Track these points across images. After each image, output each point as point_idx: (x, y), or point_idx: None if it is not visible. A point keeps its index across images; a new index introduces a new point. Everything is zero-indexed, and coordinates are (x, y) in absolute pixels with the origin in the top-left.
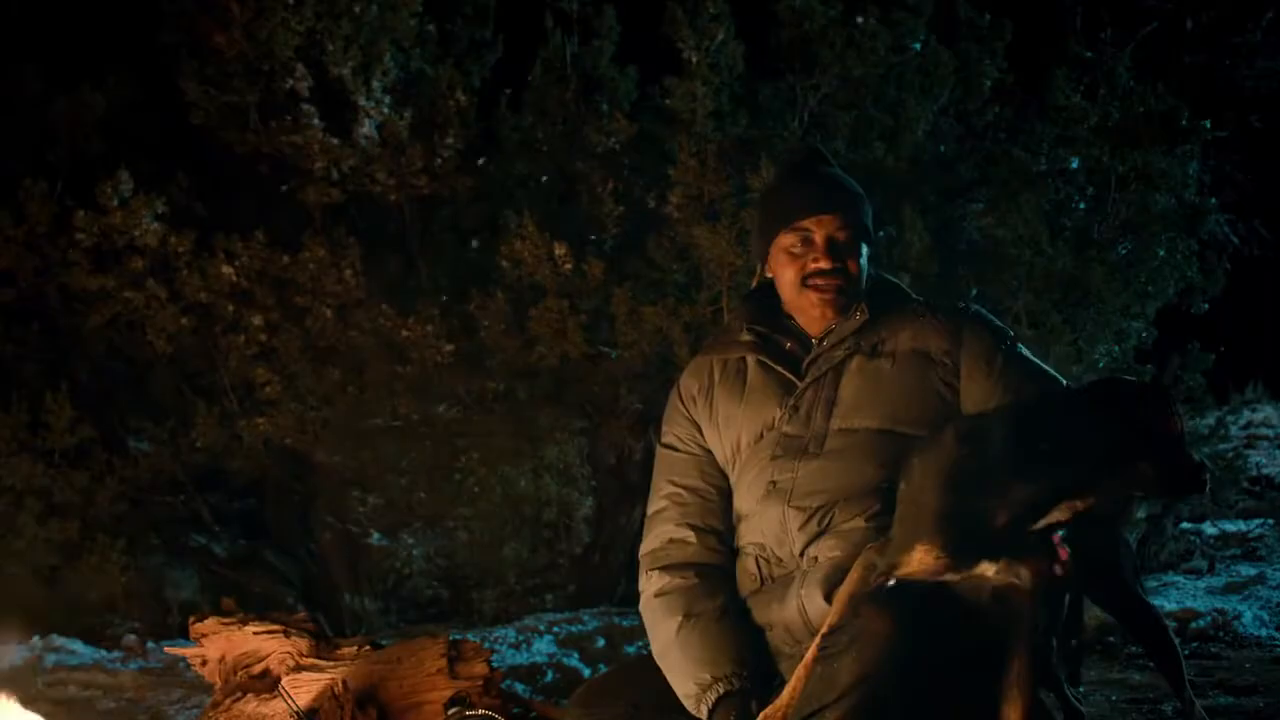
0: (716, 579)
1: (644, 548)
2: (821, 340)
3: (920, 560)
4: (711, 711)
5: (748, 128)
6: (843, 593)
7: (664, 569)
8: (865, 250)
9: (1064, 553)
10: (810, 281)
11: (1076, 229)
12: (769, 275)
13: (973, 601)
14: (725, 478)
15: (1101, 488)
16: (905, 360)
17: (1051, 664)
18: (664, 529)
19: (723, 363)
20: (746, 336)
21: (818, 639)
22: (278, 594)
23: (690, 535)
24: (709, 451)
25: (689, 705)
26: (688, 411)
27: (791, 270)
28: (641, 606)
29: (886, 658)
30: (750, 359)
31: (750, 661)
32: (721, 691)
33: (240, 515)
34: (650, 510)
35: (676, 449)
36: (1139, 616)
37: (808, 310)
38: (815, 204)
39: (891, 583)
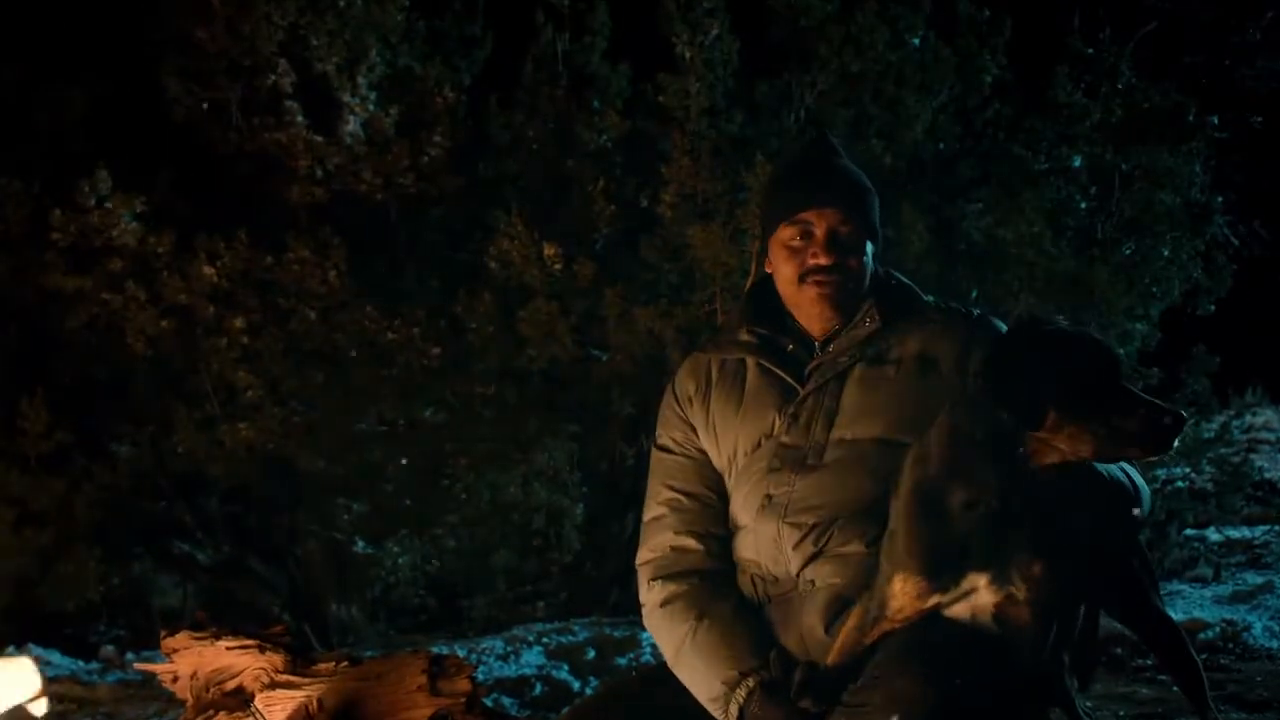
0: (724, 582)
1: (642, 556)
2: (826, 346)
3: (902, 591)
4: (744, 707)
5: (743, 125)
6: (839, 644)
7: (667, 578)
8: (870, 248)
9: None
10: (809, 278)
11: (1079, 229)
12: (768, 270)
13: (981, 633)
14: (723, 481)
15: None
16: (910, 367)
17: (1063, 680)
18: (663, 537)
19: (720, 362)
20: (746, 337)
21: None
22: (263, 602)
23: (692, 542)
24: (706, 454)
25: (715, 709)
26: (683, 413)
27: (790, 266)
28: (645, 617)
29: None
30: (750, 361)
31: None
32: (753, 684)
33: (224, 521)
34: (647, 516)
35: (672, 451)
36: (1156, 629)
37: (806, 308)
38: (818, 196)
39: (891, 625)
